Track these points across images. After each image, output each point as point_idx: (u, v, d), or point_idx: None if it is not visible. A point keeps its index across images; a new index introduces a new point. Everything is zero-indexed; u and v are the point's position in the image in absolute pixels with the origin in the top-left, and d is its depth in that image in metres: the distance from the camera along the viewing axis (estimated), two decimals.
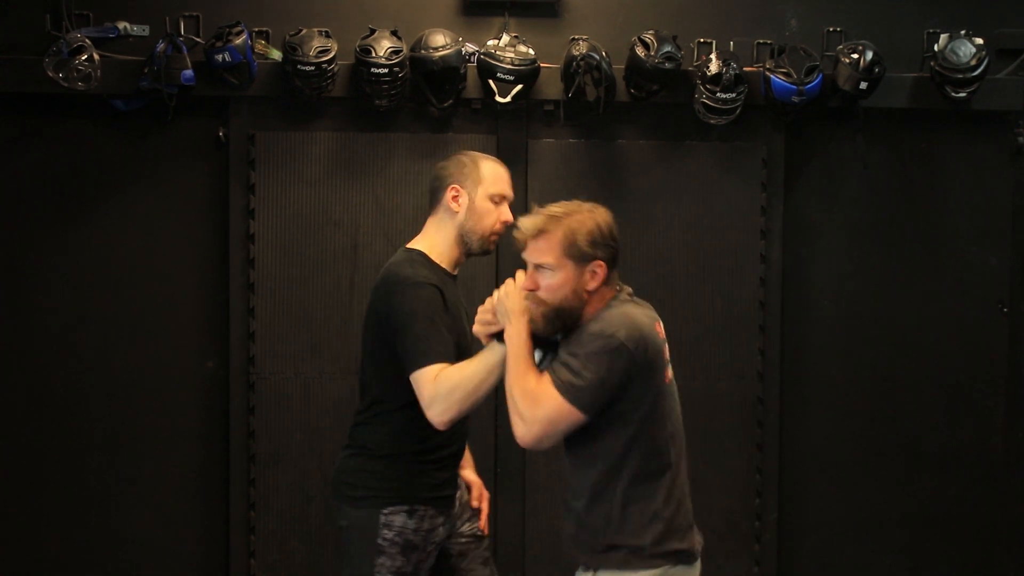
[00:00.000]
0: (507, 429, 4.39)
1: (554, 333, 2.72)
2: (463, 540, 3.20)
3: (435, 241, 3.11)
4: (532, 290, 2.68)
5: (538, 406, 2.60)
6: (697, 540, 2.76)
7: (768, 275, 4.53)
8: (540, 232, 2.66)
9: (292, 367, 4.38)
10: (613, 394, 2.60)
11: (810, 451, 4.68)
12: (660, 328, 2.73)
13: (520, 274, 2.78)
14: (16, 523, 4.41)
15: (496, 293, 2.79)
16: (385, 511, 3.01)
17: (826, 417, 4.68)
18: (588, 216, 2.68)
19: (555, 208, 2.70)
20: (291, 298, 4.38)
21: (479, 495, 3.32)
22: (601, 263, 2.67)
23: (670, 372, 2.74)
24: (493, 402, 3.89)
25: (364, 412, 3.10)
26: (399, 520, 3.01)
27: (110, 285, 4.40)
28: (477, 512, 3.28)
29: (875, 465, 4.69)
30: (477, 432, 3.72)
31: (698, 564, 2.75)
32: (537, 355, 2.77)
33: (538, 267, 2.68)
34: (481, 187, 3.08)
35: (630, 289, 2.82)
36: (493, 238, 3.11)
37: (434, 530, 3.07)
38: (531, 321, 2.70)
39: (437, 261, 3.09)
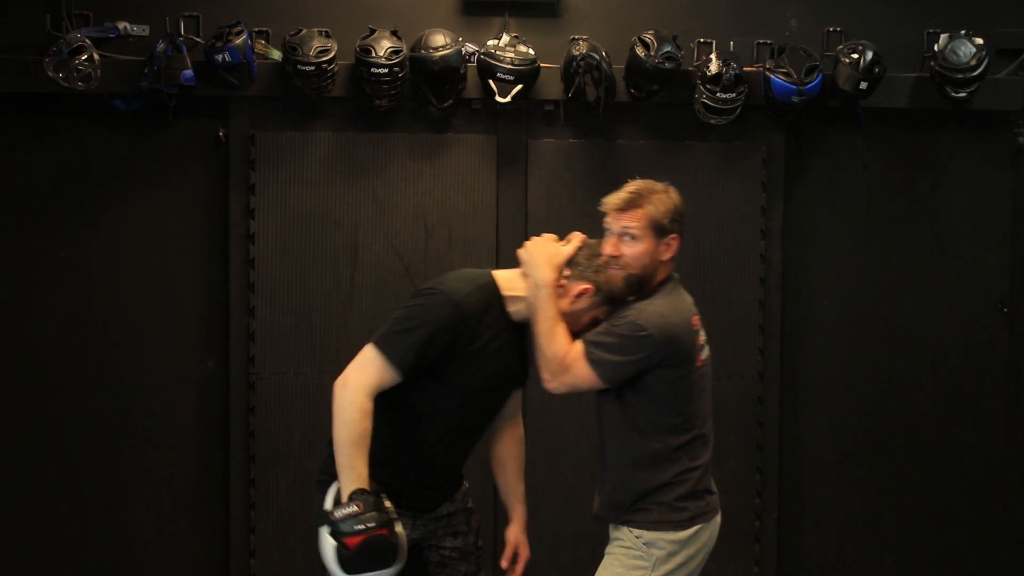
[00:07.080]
0: None
1: (631, 296, 2.96)
2: (445, 552, 3.13)
3: (516, 284, 3.00)
4: (615, 256, 2.94)
5: (568, 372, 2.93)
6: (712, 501, 3.05)
7: (768, 275, 4.53)
8: (628, 205, 2.95)
9: (292, 367, 4.38)
10: (643, 375, 2.92)
11: (810, 451, 4.68)
12: (696, 320, 3.03)
13: (546, 236, 3.04)
14: (16, 523, 4.41)
15: (527, 244, 3.02)
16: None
17: (826, 417, 4.68)
18: (667, 195, 3.00)
19: (638, 185, 3.00)
20: (291, 298, 4.38)
21: (510, 555, 3.22)
22: (676, 236, 3.00)
23: (703, 356, 3.03)
24: None
25: None
26: None
27: (110, 285, 4.40)
28: (470, 530, 3.19)
29: (875, 465, 4.69)
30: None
31: (716, 520, 3.07)
32: None
33: (622, 236, 2.94)
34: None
35: (678, 276, 3.08)
36: None
37: None
38: (608, 282, 2.95)
39: (506, 295, 2.97)
